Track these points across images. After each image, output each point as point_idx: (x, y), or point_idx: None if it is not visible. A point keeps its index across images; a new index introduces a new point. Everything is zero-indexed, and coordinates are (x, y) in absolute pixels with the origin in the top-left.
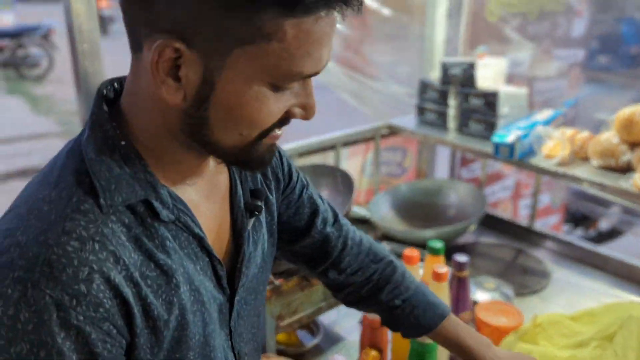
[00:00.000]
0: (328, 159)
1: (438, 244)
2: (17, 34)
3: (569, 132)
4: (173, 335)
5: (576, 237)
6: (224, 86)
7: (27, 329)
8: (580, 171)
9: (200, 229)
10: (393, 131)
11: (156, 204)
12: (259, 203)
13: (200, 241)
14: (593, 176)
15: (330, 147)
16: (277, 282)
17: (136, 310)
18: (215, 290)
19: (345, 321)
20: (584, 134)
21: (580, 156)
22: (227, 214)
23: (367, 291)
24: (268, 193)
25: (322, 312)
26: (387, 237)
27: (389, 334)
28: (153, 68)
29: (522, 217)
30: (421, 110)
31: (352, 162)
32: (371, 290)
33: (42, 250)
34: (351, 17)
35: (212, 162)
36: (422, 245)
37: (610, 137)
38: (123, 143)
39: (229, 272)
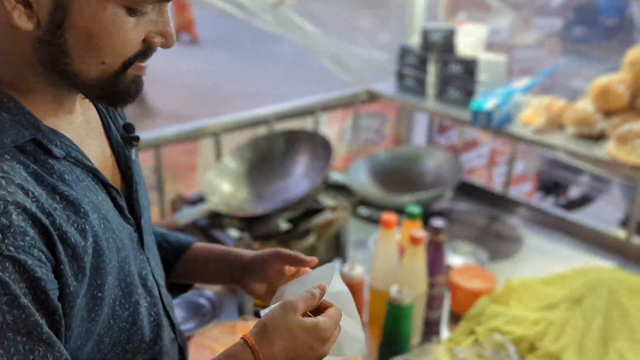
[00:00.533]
0: (306, 124)
1: (416, 209)
2: None
3: (546, 100)
4: (92, 262)
5: (548, 204)
6: (78, 8)
7: None
8: (556, 139)
9: (91, 163)
10: (372, 97)
11: (45, 142)
12: (135, 134)
13: (95, 173)
14: (568, 144)
15: (309, 112)
16: (255, 245)
17: (56, 237)
18: (121, 219)
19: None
20: (561, 103)
21: (556, 124)
22: (107, 149)
23: None
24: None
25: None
26: (365, 202)
27: (365, 296)
28: None
29: (496, 185)
30: (401, 76)
31: (330, 128)
32: None
33: None
34: None
35: (78, 106)
36: (399, 211)
37: (586, 105)
38: None
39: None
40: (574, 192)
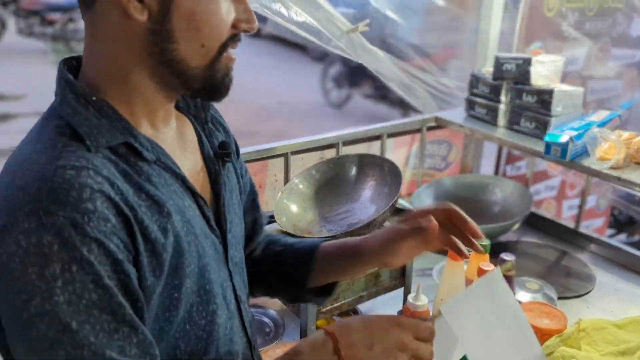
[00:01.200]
0: (373, 149)
1: (485, 242)
2: (68, 8)
3: (625, 134)
4: (171, 261)
5: (620, 241)
6: None
7: (54, 250)
8: (635, 175)
9: (181, 170)
10: (440, 124)
11: (137, 145)
12: (228, 151)
13: (183, 180)
14: None
15: (376, 137)
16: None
17: (137, 230)
18: (207, 228)
19: (384, 310)
20: None
21: (635, 160)
22: (200, 163)
23: (260, 252)
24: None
25: (363, 301)
26: None
27: None
28: None
29: (566, 218)
30: (471, 104)
31: (397, 154)
32: (263, 250)
33: (42, 183)
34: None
35: (174, 120)
36: None
37: None
38: (94, 99)
39: (214, 218)
40: None
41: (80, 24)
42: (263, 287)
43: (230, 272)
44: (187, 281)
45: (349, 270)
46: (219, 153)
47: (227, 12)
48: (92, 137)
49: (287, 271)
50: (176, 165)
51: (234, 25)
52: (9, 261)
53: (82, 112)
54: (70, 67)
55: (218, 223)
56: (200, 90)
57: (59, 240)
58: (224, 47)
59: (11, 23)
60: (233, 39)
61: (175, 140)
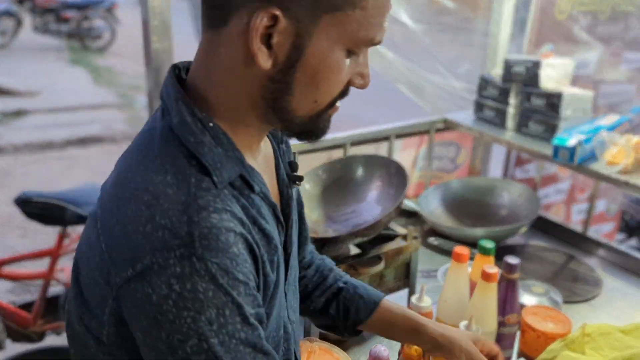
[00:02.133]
0: (380, 150)
1: (489, 244)
2: (83, 6)
3: (634, 139)
4: (269, 294)
5: (630, 247)
6: (312, 51)
7: (208, 295)
8: None
9: (273, 199)
10: (448, 126)
11: (247, 177)
12: (300, 175)
13: (274, 209)
14: None
15: (384, 138)
16: None
17: (260, 266)
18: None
19: None
20: None
21: None
22: (275, 185)
23: (315, 280)
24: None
25: None
26: (435, 231)
27: None
28: (252, 34)
29: (574, 223)
30: (479, 107)
31: (404, 155)
32: (318, 279)
33: (191, 227)
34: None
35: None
36: (469, 243)
37: None
38: (211, 125)
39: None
40: None
41: (95, 22)
42: (307, 310)
43: (286, 293)
44: (274, 310)
45: (396, 338)
46: (291, 176)
47: (348, 70)
48: (217, 171)
49: (345, 312)
50: (269, 193)
51: (348, 82)
52: (161, 303)
53: (203, 140)
54: (177, 77)
55: (284, 246)
56: (299, 133)
57: (213, 287)
58: (334, 102)
59: (27, 20)
60: (343, 94)
61: (262, 163)
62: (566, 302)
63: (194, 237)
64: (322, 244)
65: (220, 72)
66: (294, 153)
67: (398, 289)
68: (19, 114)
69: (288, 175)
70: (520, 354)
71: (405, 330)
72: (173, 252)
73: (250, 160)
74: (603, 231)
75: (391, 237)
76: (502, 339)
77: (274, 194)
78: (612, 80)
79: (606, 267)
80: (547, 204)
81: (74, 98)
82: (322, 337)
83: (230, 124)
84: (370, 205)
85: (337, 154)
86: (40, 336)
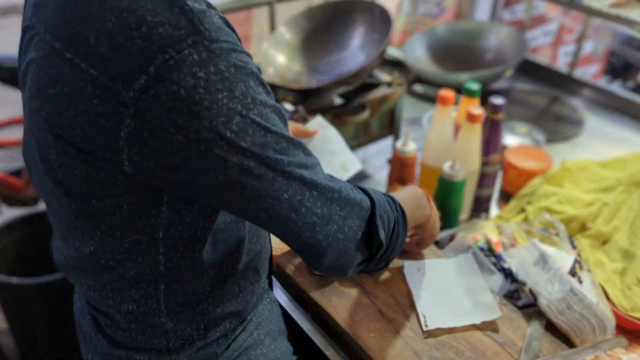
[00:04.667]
0: None
1: (475, 86)
2: None
3: None
4: None
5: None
6: None
7: (232, 72)
8: (636, 13)
9: None
10: None
11: None
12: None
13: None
14: None
15: None
16: (309, 118)
17: None
18: None
19: (374, 160)
20: None
21: None
22: None
23: None
24: None
25: (353, 150)
26: (420, 79)
27: (417, 171)
28: None
29: (561, 65)
30: None
31: (389, 0)
32: None
33: (188, 15)
34: None
35: None
36: (454, 88)
37: None
38: None
39: None
40: None
41: None
42: None
43: None
44: None
45: None
46: None
47: None
48: None
49: None
50: None
51: None
52: (192, 94)
53: None
54: None
55: None
56: None
57: (233, 63)
58: None
59: None
60: None
61: None
62: (548, 141)
63: (196, 23)
64: (306, 95)
65: None
66: None
67: (383, 136)
68: None
69: None
70: (502, 192)
71: None
72: (184, 42)
73: None
74: (589, 73)
75: (375, 85)
76: (485, 178)
77: None
78: None
79: (589, 107)
80: (534, 48)
81: None
82: None
83: None
84: (354, 53)
85: (320, 1)
86: (35, 200)
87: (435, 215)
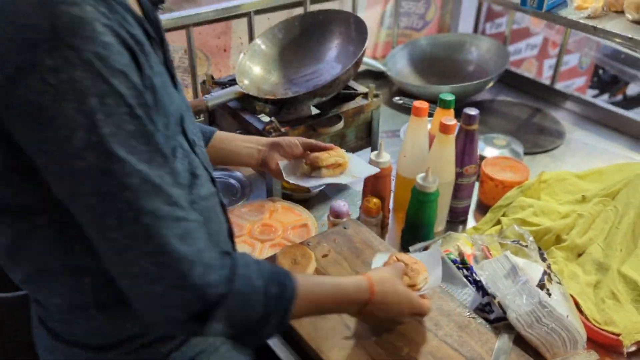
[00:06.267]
0: (345, 7)
1: (448, 97)
2: None
3: None
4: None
5: (602, 101)
6: None
7: (87, 84)
8: (612, 25)
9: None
10: None
11: None
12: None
13: (142, 23)
14: (626, 31)
15: None
16: (284, 129)
17: (142, 69)
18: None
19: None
20: None
21: (614, 9)
22: (138, 7)
23: None
24: None
25: None
26: (403, 92)
27: (392, 184)
28: None
29: (546, 78)
30: None
31: (371, 12)
32: None
33: (53, 19)
34: None
35: None
36: (436, 101)
37: None
38: None
39: None
40: (632, 90)
41: None
42: None
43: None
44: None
45: (242, 157)
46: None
47: None
48: None
49: None
50: (133, 6)
51: None
52: (39, 101)
53: None
54: None
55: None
56: None
57: (90, 74)
58: None
59: None
60: None
61: None
62: (528, 153)
63: (58, 28)
64: (281, 105)
65: None
66: None
67: (360, 148)
68: None
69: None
70: (479, 204)
71: (242, 146)
72: (40, 47)
73: None
74: (575, 86)
75: (352, 97)
76: (460, 190)
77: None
78: None
79: (571, 119)
80: (518, 60)
81: None
82: (285, 197)
83: None
84: (331, 65)
85: (299, 12)
86: None
87: (377, 303)
